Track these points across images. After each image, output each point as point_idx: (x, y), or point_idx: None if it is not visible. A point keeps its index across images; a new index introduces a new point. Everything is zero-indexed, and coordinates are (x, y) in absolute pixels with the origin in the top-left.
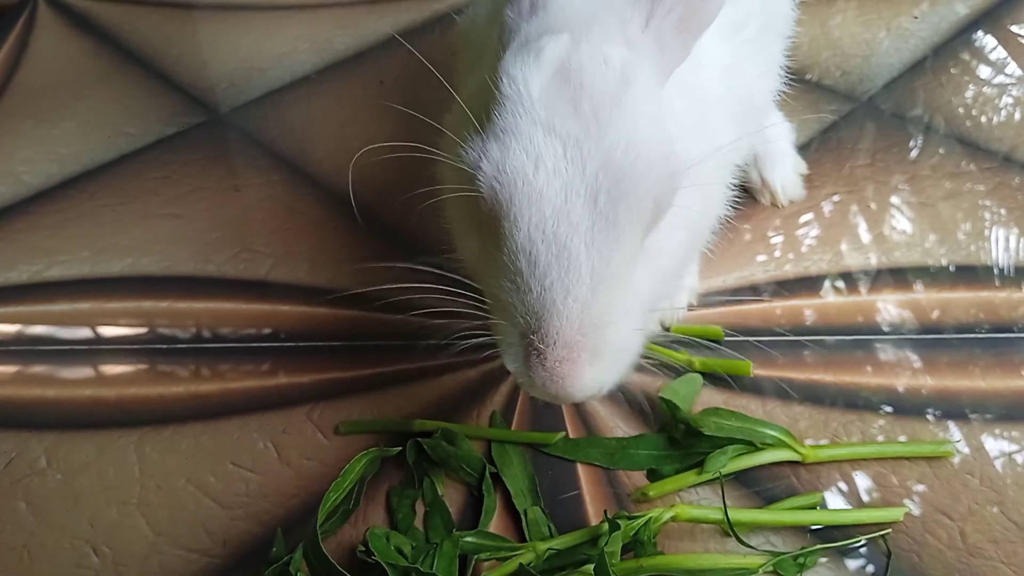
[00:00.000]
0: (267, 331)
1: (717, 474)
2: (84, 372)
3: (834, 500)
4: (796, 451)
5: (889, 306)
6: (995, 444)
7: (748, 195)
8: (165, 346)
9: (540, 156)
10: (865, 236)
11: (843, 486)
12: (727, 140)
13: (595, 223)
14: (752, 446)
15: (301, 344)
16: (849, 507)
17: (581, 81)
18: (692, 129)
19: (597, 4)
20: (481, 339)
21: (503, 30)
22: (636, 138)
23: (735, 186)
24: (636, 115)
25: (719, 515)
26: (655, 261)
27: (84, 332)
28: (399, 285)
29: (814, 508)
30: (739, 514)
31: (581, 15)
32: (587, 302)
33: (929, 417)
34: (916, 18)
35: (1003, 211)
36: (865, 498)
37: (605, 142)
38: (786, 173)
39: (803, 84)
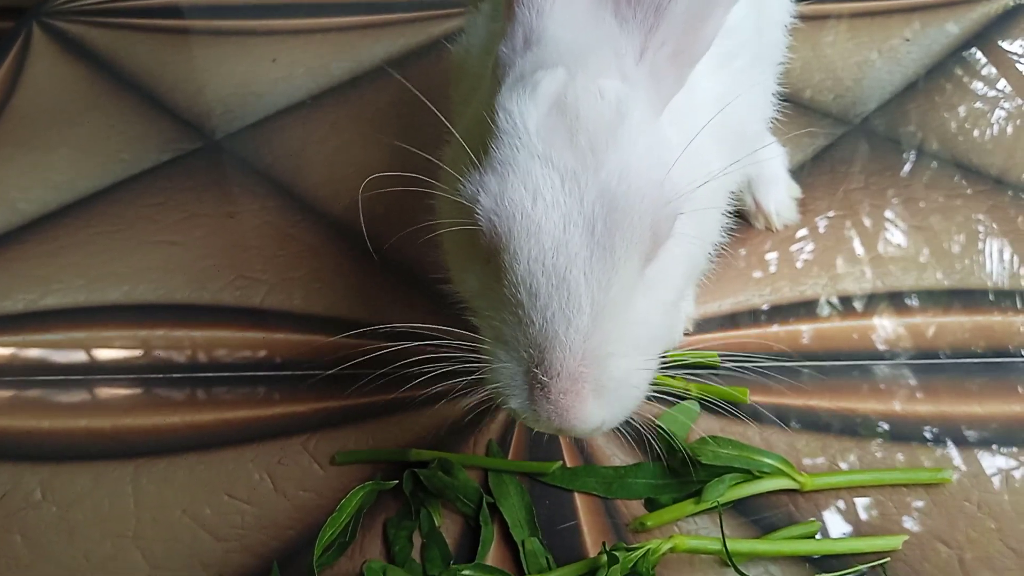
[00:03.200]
0: (263, 354)
1: (715, 503)
2: (79, 398)
3: (832, 527)
4: (794, 479)
5: (885, 330)
6: (992, 469)
7: (742, 219)
8: (161, 375)
9: (538, 189)
10: (859, 258)
11: (841, 513)
12: (720, 167)
13: (593, 253)
14: (750, 474)
15: (297, 372)
16: (847, 535)
17: (577, 114)
18: (686, 157)
19: (591, 38)
20: (477, 370)
21: (498, 64)
22: (630, 168)
23: (730, 211)
24: (631, 146)
25: (717, 546)
26: (656, 292)
27: (80, 358)
28: (395, 325)
29: (812, 537)
30: (737, 544)
31: (575, 49)
32: (588, 332)
33: (927, 439)
34: (908, 40)
35: (997, 231)
36: (863, 525)
37: (601, 173)
38: (780, 197)
39: (796, 107)
